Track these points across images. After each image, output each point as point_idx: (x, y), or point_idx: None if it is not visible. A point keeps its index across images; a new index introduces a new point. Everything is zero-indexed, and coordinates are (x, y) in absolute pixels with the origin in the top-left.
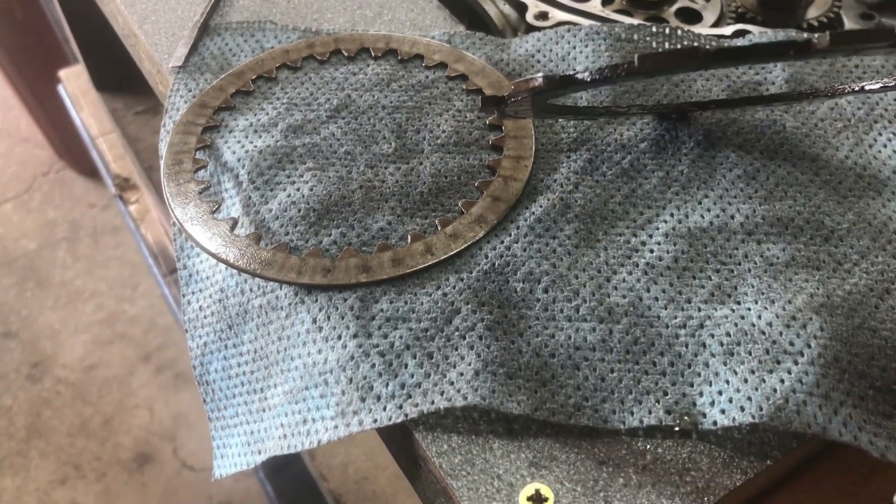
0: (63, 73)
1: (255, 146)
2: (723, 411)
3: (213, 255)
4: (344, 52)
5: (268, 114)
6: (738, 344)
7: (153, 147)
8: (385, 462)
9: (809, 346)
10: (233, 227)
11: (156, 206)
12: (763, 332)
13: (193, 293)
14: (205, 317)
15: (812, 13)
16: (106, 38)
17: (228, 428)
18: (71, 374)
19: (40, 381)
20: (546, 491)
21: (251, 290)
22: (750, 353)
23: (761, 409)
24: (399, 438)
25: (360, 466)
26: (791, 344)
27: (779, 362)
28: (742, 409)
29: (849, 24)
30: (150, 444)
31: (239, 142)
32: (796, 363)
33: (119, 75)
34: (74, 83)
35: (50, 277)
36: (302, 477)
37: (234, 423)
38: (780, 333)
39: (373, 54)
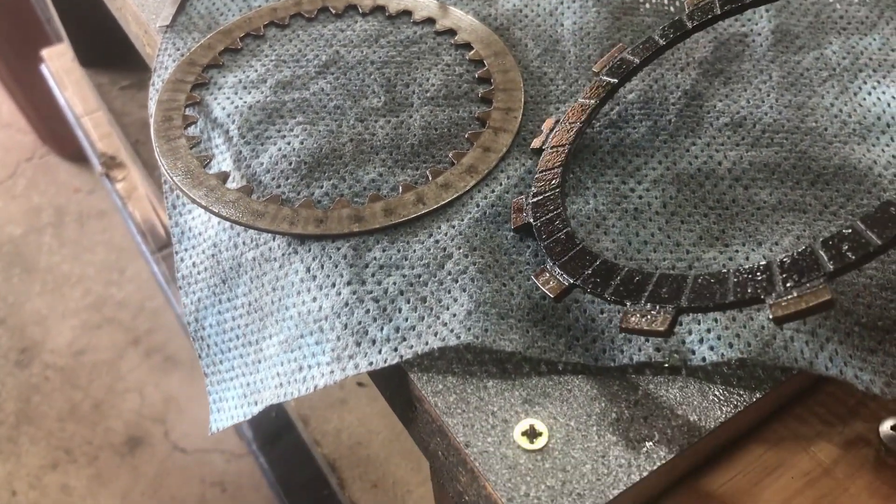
0: (46, 52)
1: (245, 102)
2: (712, 348)
3: (205, 208)
4: (331, 9)
5: (256, 70)
6: None
7: (140, 122)
8: (378, 427)
9: None
10: (224, 181)
11: (143, 182)
12: None
13: (186, 250)
14: (198, 273)
15: None
16: (91, 12)
17: (224, 382)
18: (59, 359)
19: (28, 367)
20: (540, 426)
21: (244, 243)
22: None
23: (749, 346)
24: (394, 382)
25: (354, 432)
26: None
27: None
28: (731, 345)
29: None
30: (141, 427)
31: (228, 98)
32: None
33: (104, 50)
34: (58, 62)
35: (36, 263)
36: (296, 445)
37: (230, 377)
38: None
39: (360, 11)
